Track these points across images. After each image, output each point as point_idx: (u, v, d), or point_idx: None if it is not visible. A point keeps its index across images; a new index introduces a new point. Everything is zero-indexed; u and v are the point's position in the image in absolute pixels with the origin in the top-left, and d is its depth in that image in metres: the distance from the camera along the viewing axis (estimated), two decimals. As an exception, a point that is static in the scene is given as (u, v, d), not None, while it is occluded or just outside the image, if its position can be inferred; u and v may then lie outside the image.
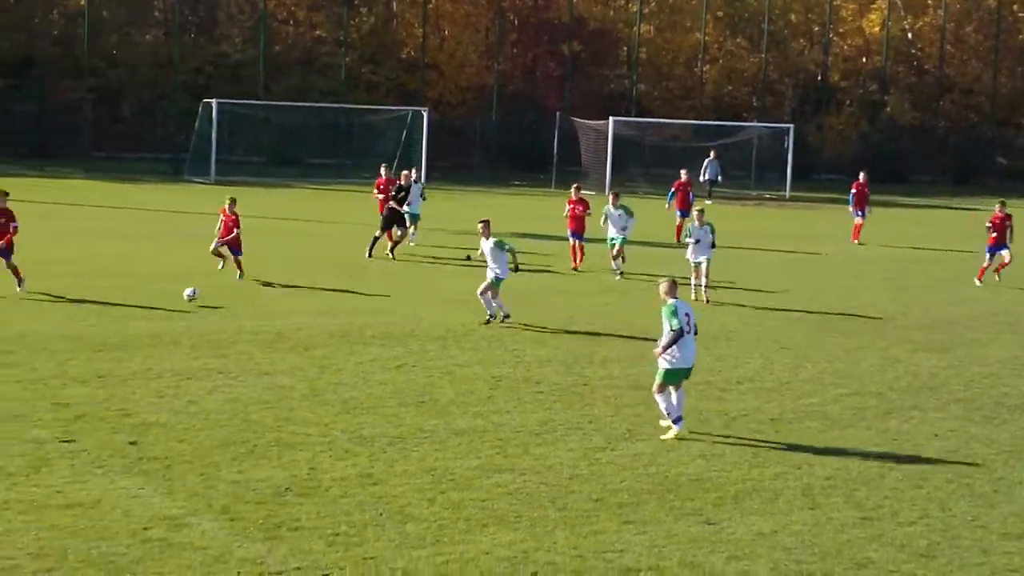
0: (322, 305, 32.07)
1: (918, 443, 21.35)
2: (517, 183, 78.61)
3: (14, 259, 31.86)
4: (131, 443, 19.08)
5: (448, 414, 21.81)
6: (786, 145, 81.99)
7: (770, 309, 34.48)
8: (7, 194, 32.19)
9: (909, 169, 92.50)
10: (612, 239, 39.44)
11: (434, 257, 42.31)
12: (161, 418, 20.62)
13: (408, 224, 43.79)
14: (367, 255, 41.14)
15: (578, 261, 40.74)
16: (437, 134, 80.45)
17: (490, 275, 30.27)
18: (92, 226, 48.91)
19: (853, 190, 54.21)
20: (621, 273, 38.96)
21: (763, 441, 21.01)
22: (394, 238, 42.15)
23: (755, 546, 15.98)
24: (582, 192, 42.92)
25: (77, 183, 69.61)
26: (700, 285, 35.24)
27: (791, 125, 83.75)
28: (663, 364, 20.89)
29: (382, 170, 46.00)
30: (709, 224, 35.73)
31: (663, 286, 21.38)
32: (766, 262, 45.40)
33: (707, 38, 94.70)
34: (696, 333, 21.25)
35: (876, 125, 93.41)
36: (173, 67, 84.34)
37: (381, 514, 16.38)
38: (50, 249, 38.79)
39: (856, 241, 52.88)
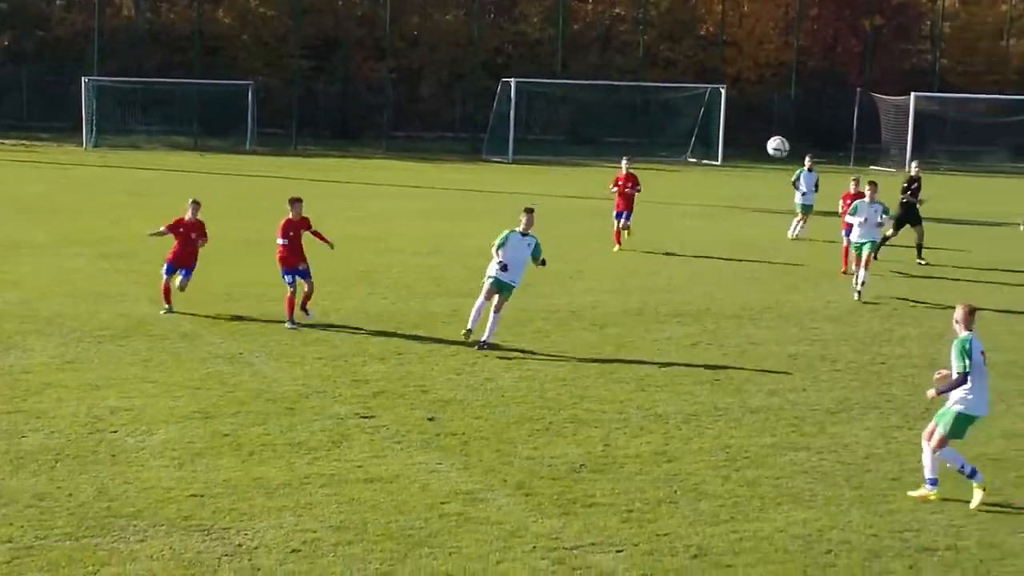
0: (616, 283, 32.15)
1: None
2: (815, 161, 77.46)
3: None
4: (429, 419, 19.38)
5: (743, 392, 21.69)
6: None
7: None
8: (198, 204, 27.53)
9: None
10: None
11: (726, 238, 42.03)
12: (458, 395, 20.91)
13: (800, 214, 42.64)
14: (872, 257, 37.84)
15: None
16: (734, 111, 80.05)
17: (504, 278, 24.56)
18: (393, 205, 49.83)
19: None
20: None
21: (1069, 423, 20.39)
22: (917, 240, 37.93)
23: (1058, 528, 15.56)
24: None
25: (379, 163, 71.09)
26: (859, 278, 30.66)
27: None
28: (955, 408, 16.53)
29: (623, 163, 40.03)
30: (880, 203, 31.92)
31: (959, 312, 16.79)
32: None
33: (1014, 10, 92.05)
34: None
35: None
36: (472, 47, 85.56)
37: (675, 491, 16.39)
38: (355, 227, 39.61)
39: None
